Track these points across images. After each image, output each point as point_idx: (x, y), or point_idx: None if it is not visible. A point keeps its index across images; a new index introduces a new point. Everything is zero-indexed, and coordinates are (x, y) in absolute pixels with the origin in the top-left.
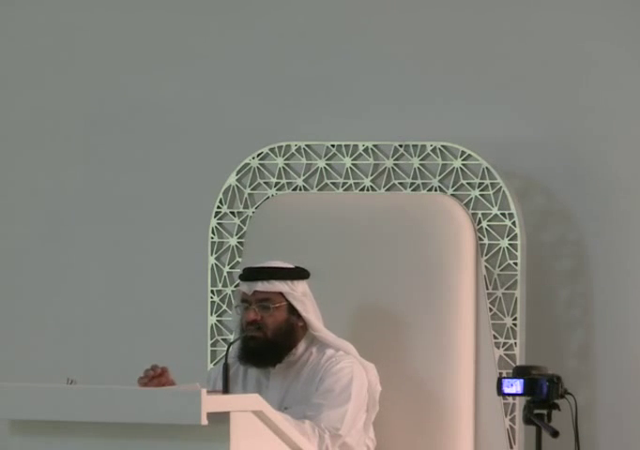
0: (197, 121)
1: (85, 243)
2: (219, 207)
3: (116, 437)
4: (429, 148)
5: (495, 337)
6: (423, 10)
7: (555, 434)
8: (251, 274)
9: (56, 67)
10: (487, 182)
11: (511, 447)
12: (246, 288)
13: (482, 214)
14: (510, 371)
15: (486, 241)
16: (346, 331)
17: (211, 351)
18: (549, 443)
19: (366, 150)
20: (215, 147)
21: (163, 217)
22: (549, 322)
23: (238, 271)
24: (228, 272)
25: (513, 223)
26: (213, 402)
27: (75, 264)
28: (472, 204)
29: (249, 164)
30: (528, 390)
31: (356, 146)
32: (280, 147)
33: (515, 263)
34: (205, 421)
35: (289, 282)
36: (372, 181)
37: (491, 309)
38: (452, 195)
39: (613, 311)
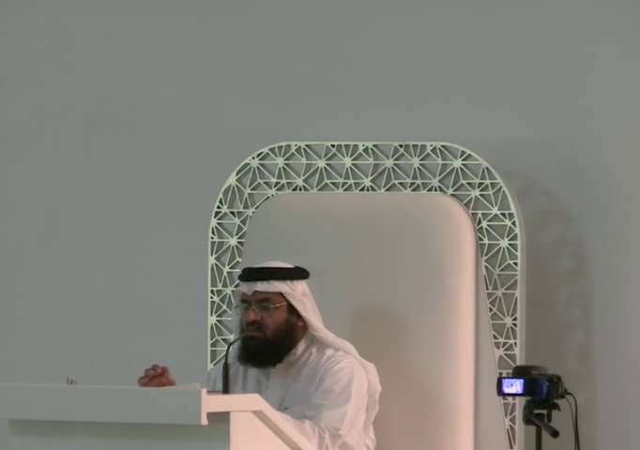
0: (197, 121)
1: (85, 243)
2: (219, 207)
3: (116, 437)
4: (429, 148)
5: (495, 337)
6: (423, 10)
7: (555, 434)
8: (251, 274)
9: (56, 68)
10: (487, 182)
11: (511, 447)
12: (246, 288)
13: (482, 214)
14: (510, 371)
15: (486, 241)
16: (346, 331)
17: (211, 351)
18: (549, 443)
19: (366, 150)
20: (215, 147)
21: (163, 217)
22: (549, 322)
23: (238, 271)
24: (228, 272)
25: (513, 223)
26: (213, 402)
27: (75, 264)
28: (472, 204)
29: (249, 164)
30: (528, 390)
31: (356, 146)
32: (280, 147)
33: (515, 263)
34: (205, 421)
35: (289, 282)
36: (372, 181)
37: (491, 309)
38: (452, 195)
39: (613, 311)
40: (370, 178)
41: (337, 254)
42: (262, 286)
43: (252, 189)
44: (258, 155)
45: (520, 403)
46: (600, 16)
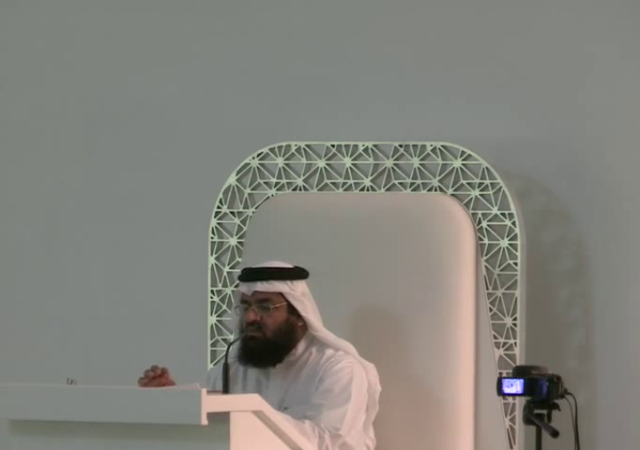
0: (197, 121)
1: (85, 243)
2: (219, 207)
3: (116, 437)
4: (429, 148)
5: (495, 337)
6: (423, 10)
7: (555, 434)
8: (251, 274)
9: (57, 67)
10: (487, 182)
11: (511, 447)
12: (245, 288)
13: (482, 214)
14: (510, 371)
15: (486, 241)
16: (346, 331)
17: (211, 351)
18: (549, 443)
19: (366, 150)
20: (215, 147)
21: (163, 217)
22: (549, 322)
23: (238, 271)
24: (228, 272)
25: (513, 223)
26: (213, 402)
27: (75, 264)
28: (472, 204)
29: (249, 164)
30: (528, 390)
31: (356, 146)
32: (280, 147)
33: (515, 263)
34: (205, 421)
35: (288, 282)
36: (372, 181)
37: (491, 309)
38: (452, 195)
39: (613, 311)
40: (370, 178)
41: (337, 254)
42: (262, 286)
43: (252, 189)
44: (258, 155)
45: (520, 403)
46: (600, 16)
